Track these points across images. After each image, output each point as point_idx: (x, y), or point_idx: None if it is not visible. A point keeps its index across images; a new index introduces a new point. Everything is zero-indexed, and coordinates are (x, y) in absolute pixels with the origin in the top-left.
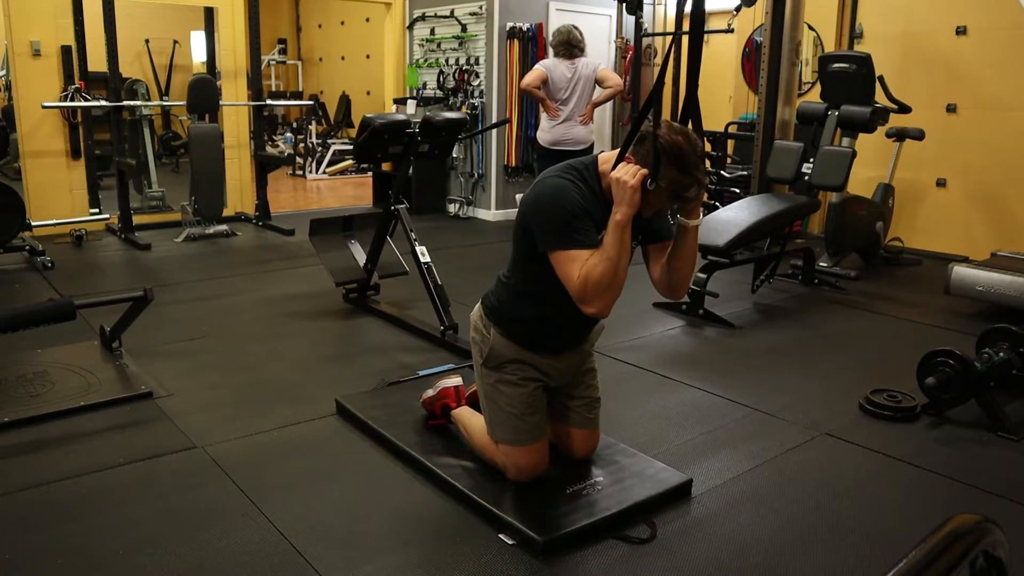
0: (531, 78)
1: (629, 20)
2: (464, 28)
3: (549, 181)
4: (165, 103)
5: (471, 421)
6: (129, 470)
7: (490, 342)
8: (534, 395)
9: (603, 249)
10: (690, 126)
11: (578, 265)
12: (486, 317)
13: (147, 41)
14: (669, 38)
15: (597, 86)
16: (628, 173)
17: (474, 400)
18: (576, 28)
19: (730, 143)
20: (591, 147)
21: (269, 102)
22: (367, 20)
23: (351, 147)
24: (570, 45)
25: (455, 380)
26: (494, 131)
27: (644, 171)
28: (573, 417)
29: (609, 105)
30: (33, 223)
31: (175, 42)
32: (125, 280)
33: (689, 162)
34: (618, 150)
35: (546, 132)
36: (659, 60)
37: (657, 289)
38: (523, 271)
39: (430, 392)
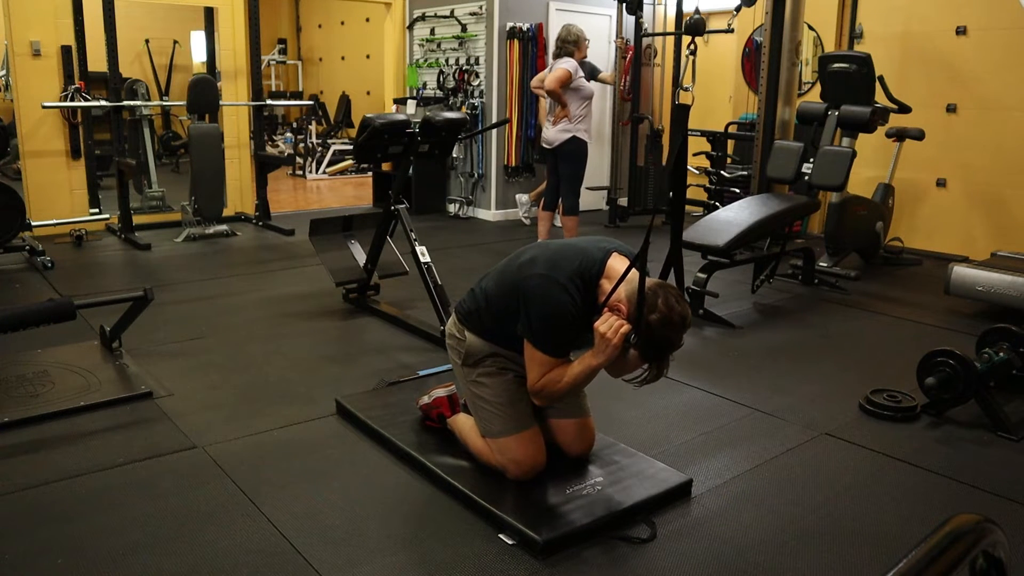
0: (534, 79)
1: (629, 20)
2: (464, 28)
3: (552, 289)
4: (165, 103)
5: (466, 427)
6: (129, 470)
7: (466, 343)
8: (515, 383)
9: (570, 373)
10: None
11: (543, 370)
12: (460, 323)
13: (147, 41)
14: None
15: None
16: (611, 330)
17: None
18: (563, 29)
19: (730, 143)
20: (564, 146)
21: (269, 102)
22: (367, 20)
23: (351, 147)
24: (556, 46)
25: (448, 389)
26: (494, 131)
27: (626, 329)
28: (556, 406)
29: (609, 105)
30: (33, 223)
31: (175, 42)
32: (125, 280)
33: (671, 348)
34: (625, 265)
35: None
36: (659, 60)
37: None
38: (500, 311)
39: (425, 399)
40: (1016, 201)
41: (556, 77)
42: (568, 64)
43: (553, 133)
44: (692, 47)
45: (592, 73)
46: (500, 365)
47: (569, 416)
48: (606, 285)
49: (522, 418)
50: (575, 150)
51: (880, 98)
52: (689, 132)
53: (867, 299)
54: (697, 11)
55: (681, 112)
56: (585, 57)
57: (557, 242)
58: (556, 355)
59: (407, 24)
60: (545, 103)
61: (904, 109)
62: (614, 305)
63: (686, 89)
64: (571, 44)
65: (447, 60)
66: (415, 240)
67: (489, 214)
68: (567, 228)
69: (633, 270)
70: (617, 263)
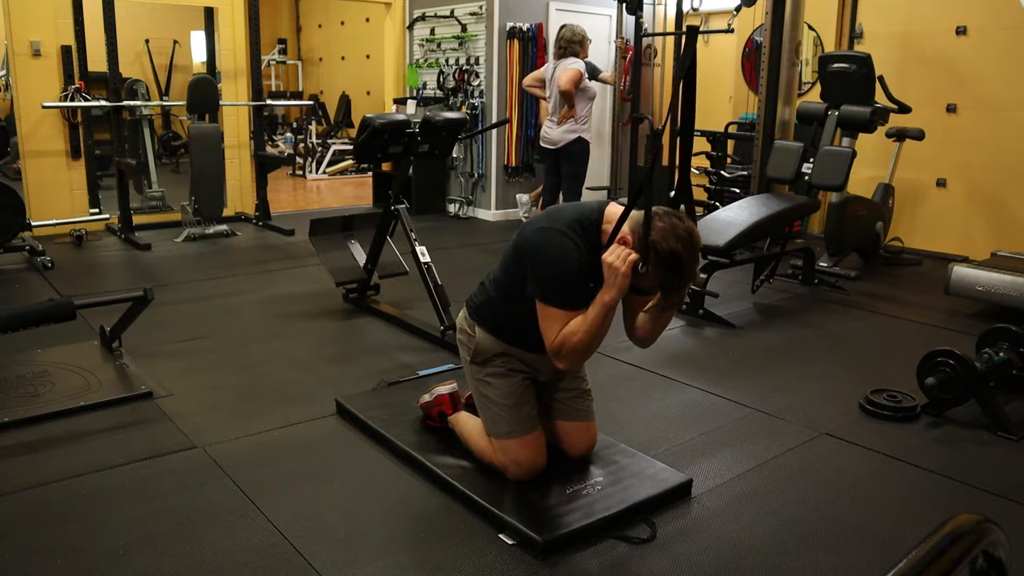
0: (528, 77)
1: (629, 20)
2: (464, 28)
3: (552, 237)
4: (165, 103)
5: (468, 425)
6: (129, 470)
7: (476, 339)
8: (523, 385)
9: (586, 319)
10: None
11: (559, 325)
12: (470, 318)
13: (147, 41)
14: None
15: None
16: (619, 259)
17: (470, 404)
18: (567, 29)
19: (730, 143)
20: (570, 146)
21: (269, 102)
22: (367, 20)
23: (351, 147)
24: (557, 46)
25: (450, 386)
26: (494, 131)
27: (635, 257)
28: (563, 410)
29: (609, 105)
30: (33, 223)
31: (175, 42)
32: (125, 280)
33: (685, 268)
34: (622, 210)
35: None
36: (659, 60)
37: (628, 336)
38: (510, 294)
39: (426, 398)
40: (1016, 201)
41: (570, 78)
42: (579, 64)
43: (559, 133)
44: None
45: (593, 73)
46: (509, 366)
47: (574, 419)
48: (609, 229)
49: (527, 421)
50: (580, 151)
51: (880, 98)
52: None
53: (867, 299)
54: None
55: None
56: (586, 57)
57: (552, 206)
58: (567, 307)
59: (407, 24)
60: (546, 103)
61: (904, 109)
62: (620, 239)
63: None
64: (576, 44)
65: (447, 60)
66: (415, 240)
67: (489, 214)
68: None
69: (635, 209)
70: (615, 208)
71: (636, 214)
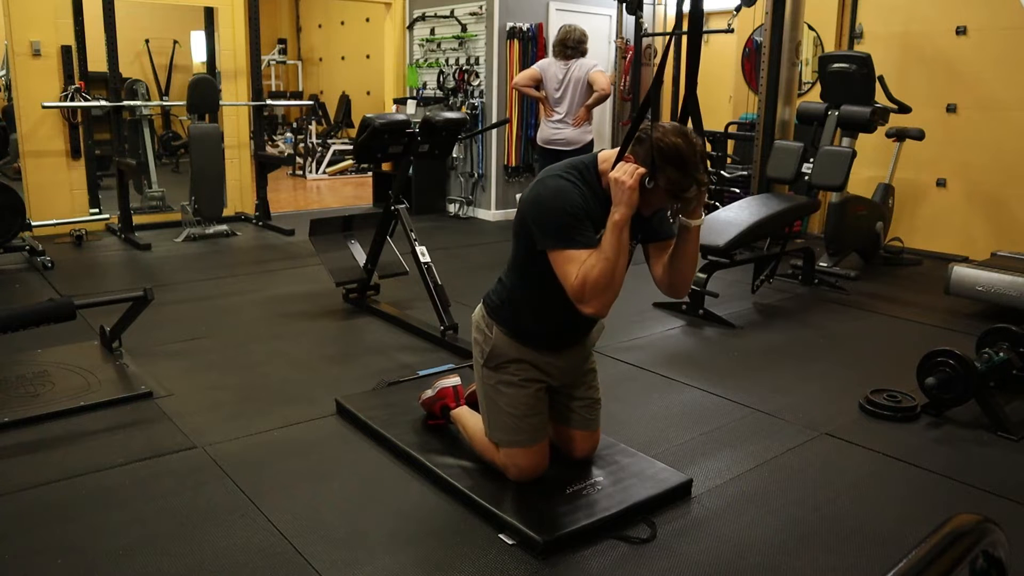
0: (521, 76)
1: (629, 20)
2: (464, 28)
3: (549, 181)
4: (165, 103)
5: (470, 421)
6: (129, 470)
7: (492, 341)
8: (535, 397)
9: (601, 249)
10: (690, 125)
11: (576, 265)
12: (488, 316)
13: (147, 41)
14: (668, 37)
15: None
16: (626, 173)
17: (473, 400)
18: (577, 29)
19: (730, 143)
20: (586, 148)
21: (269, 102)
22: (367, 20)
23: (351, 147)
24: (564, 46)
25: (453, 380)
26: (494, 131)
27: (642, 170)
28: (574, 419)
29: (609, 105)
30: (33, 223)
31: (175, 42)
32: (125, 280)
33: (688, 163)
34: (618, 149)
35: (541, 131)
36: (659, 60)
37: (659, 287)
38: (522, 269)
39: (429, 393)
40: (1016, 201)
41: (609, 80)
42: (602, 66)
43: (576, 134)
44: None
45: None
46: (523, 376)
47: (583, 428)
48: (606, 167)
49: (532, 432)
50: (590, 151)
51: (880, 98)
52: None
53: (867, 299)
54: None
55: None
56: (567, 59)
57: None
58: (580, 244)
59: (407, 24)
60: (546, 104)
61: (904, 109)
62: (625, 159)
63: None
64: (584, 45)
65: (447, 60)
66: (415, 240)
67: (489, 214)
68: None
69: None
70: (609, 152)
71: (633, 145)
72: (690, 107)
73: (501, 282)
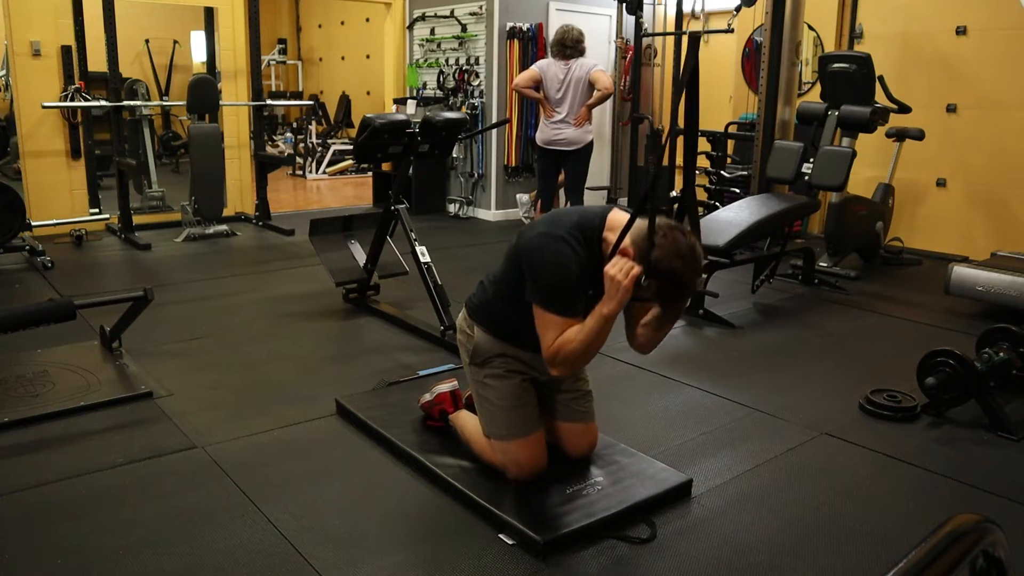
0: (521, 78)
1: (629, 20)
2: (464, 28)
3: (552, 244)
4: (165, 103)
5: (469, 424)
6: (129, 470)
7: (475, 340)
8: (522, 387)
9: (583, 329)
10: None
11: (556, 332)
12: (469, 318)
13: (147, 41)
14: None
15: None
16: (622, 271)
17: (471, 403)
18: (574, 29)
19: (730, 143)
20: (587, 148)
21: (269, 102)
22: (367, 20)
23: (351, 147)
24: (563, 46)
25: (450, 384)
26: (494, 131)
27: (637, 271)
28: (563, 411)
29: (609, 105)
30: (33, 223)
31: (175, 42)
32: (125, 280)
33: (685, 287)
34: (627, 217)
35: (541, 131)
36: (659, 60)
37: (628, 342)
38: (509, 289)
39: (427, 397)
40: (1016, 201)
41: (611, 79)
42: (602, 66)
43: (578, 133)
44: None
45: None
46: (508, 367)
47: (575, 421)
48: (610, 237)
49: (527, 423)
50: (590, 151)
51: (880, 98)
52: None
53: (867, 299)
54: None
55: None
56: (566, 59)
57: (554, 210)
58: (565, 314)
59: (407, 24)
60: (547, 104)
61: (904, 109)
62: (623, 251)
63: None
64: (583, 44)
65: (447, 60)
66: (415, 240)
67: (489, 214)
68: None
69: (639, 219)
70: (618, 215)
71: (640, 224)
72: (687, 198)
73: (483, 287)
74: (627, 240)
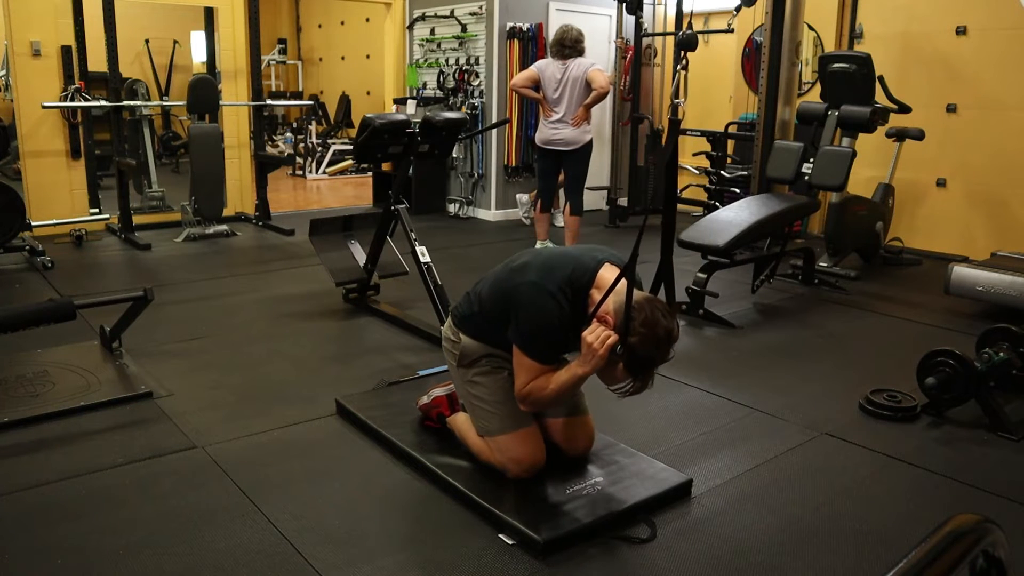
0: (519, 78)
1: (629, 20)
2: (464, 28)
3: (540, 298)
4: (165, 103)
5: (466, 426)
6: (129, 470)
7: (460, 345)
8: (510, 381)
9: (556, 380)
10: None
11: (530, 376)
12: (455, 326)
13: (147, 41)
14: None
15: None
16: (598, 340)
17: None
18: (574, 29)
19: (730, 143)
20: (586, 147)
21: (269, 102)
22: (367, 20)
23: (351, 147)
24: (561, 45)
25: (447, 387)
26: (494, 131)
27: (613, 340)
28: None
29: (608, 105)
30: (33, 223)
31: (175, 42)
32: (125, 280)
33: (654, 365)
34: (615, 276)
35: (540, 131)
36: (659, 60)
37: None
38: (492, 316)
39: (424, 399)
40: (1016, 201)
41: (608, 79)
42: (601, 65)
43: (576, 133)
44: (684, 61)
45: None
46: (495, 364)
47: (568, 414)
48: (595, 295)
49: (519, 416)
50: (590, 151)
51: (880, 98)
52: (688, 132)
53: (867, 299)
54: (690, 25)
55: (672, 128)
56: (564, 59)
57: (551, 249)
58: (543, 361)
59: (407, 24)
60: (546, 104)
61: (904, 109)
62: (602, 316)
63: (678, 103)
64: (582, 44)
65: (447, 60)
66: (415, 240)
67: (489, 214)
68: (572, 228)
69: (623, 281)
70: (608, 273)
71: (621, 289)
72: (664, 277)
73: (469, 300)
74: (609, 304)
